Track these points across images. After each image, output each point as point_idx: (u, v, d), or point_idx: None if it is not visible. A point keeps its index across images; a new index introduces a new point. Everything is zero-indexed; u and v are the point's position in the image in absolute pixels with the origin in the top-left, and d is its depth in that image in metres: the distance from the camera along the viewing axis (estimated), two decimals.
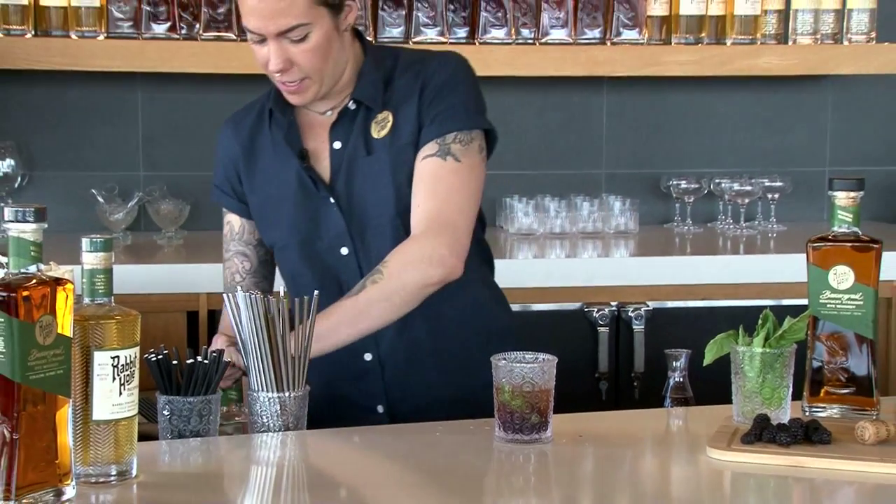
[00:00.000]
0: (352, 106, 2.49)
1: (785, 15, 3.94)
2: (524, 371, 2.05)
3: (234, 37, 3.70)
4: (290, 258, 2.51)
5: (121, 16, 3.67)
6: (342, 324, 2.34)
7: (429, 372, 2.52)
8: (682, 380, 2.50)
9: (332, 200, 2.47)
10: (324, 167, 2.50)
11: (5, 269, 1.76)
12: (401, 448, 2.18)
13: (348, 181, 2.48)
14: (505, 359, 2.07)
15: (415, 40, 3.73)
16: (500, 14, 3.76)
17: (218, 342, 2.35)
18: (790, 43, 3.94)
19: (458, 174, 2.45)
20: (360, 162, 2.47)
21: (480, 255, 2.61)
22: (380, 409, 2.53)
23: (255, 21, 2.35)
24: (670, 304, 3.38)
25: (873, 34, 3.94)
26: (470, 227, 2.47)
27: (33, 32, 3.65)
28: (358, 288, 2.36)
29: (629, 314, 3.40)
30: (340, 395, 2.35)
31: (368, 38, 3.69)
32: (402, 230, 2.46)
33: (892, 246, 2.28)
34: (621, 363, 3.42)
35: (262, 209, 2.54)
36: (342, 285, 2.45)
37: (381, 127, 2.48)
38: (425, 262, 2.38)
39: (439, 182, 2.44)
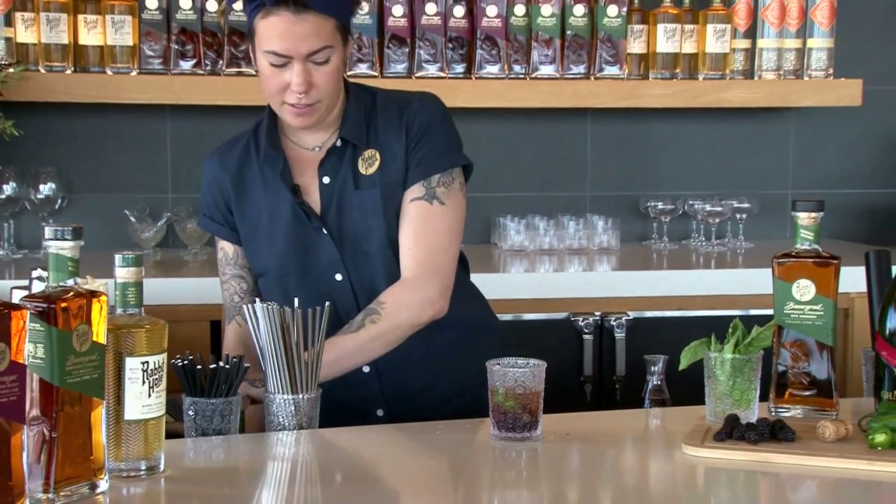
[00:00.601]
0: (338, 143, 2.47)
1: (751, 53, 3.94)
2: (516, 375, 2.05)
3: (254, 72, 3.69)
4: (287, 285, 2.46)
5: (151, 53, 3.67)
6: (344, 357, 2.35)
7: (423, 376, 2.51)
8: (659, 383, 2.50)
9: (324, 231, 2.45)
10: (314, 200, 2.47)
11: (45, 283, 1.76)
12: (405, 445, 2.17)
13: (339, 213, 2.45)
14: (499, 364, 2.07)
15: (417, 75, 3.73)
16: (494, 52, 3.76)
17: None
18: (756, 78, 3.94)
19: (444, 217, 2.46)
20: (349, 196, 2.45)
21: (460, 263, 2.58)
22: (379, 412, 2.51)
23: (286, 43, 2.31)
24: (649, 313, 3.38)
25: (831, 70, 3.94)
26: (454, 266, 2.49)
27: (73, 69, 3.65)
28: (357, 325, 2.38)
29: (611, 323, 3.39)
30: (340, 401, 2.34)
31: (375, 74, 3.72)
32: (392, 258, 2.45)
33: (849, 262, 2.28)
34: (604, 368, 3.42)
35: (253, 239, 2.51)
36: (337, 307, 2.42)
37: (368, 164, 2.46)
38: (417, 305, 2.41)
39: (427, 225, 2.45)
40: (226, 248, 2.57)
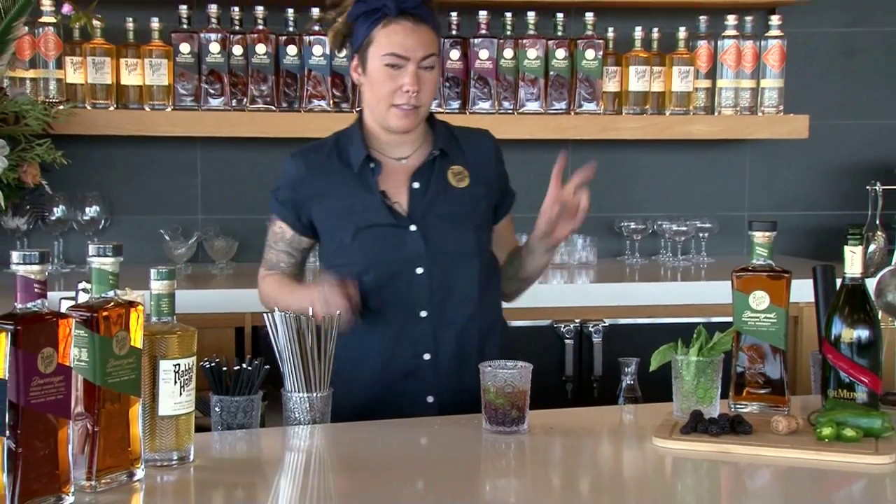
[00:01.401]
0: (436, 153, 2.49)
1: (712, 91, 3.94)
2: (506, 376, 2.05)
3: (275, 108, 3.69)
4: (370, 277, 2.43)
5: (184, 92, 3.67)
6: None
7: (475, 373, 2.48)
8: (632, 382, 2.48)
9: (413, 228, 2.45)
10: (401, 203, 2.47)
11: (89, 294, 1.75)
12: (407, 438, 2.16)
13: (427, 215, 2.45)
14: (490, 366, 2.07)
15: None
16: (486, 90, 3.76)
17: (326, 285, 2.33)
18: (716, 113, 3.94)
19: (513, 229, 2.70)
20: (439, 200, 2.47)
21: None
22: (430, 399, 2.47)
23: (406, 47, 2.37)
24: (622, 321, 3.37)
25: (781, 107, 3.95)
26: None
27: (115, 106, 3.65)
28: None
29: (589, 329, 3.39)
30: (396, 386, 2.33)
31: None
32: (469, 259, 2.48)
33: (799, 275, 2.27)
34: (583, 369, 3.41)
35: (341, 237, 2.48)
36: (414, 301, 2.44)
37: (459, 178, 2.50)
38: None
39: (512, 235, 2.68)
40: (284, 230, 2.55)
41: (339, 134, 2.56)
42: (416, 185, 2.48)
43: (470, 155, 2.54)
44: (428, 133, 2.54)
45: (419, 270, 2.44)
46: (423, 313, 2.44)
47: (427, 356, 2.44)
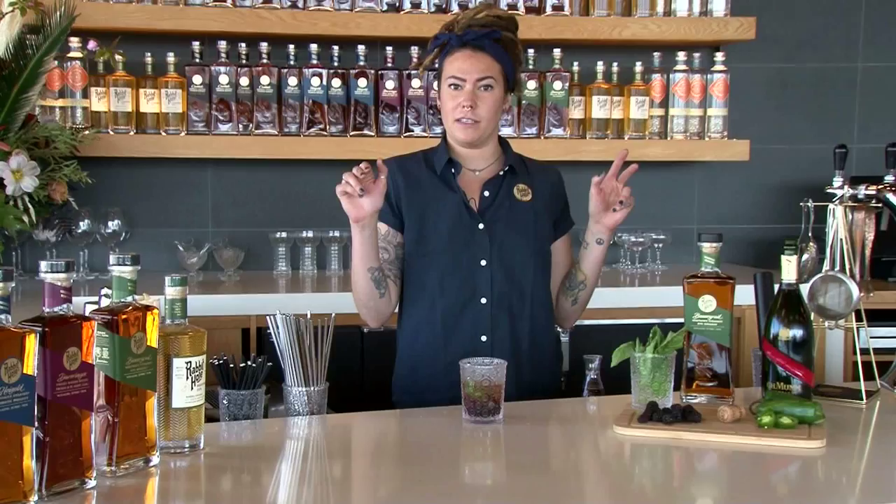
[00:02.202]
0: (505, 169, 2.57)
1: (665, 119, 3.95)
2: (483, 371, 2.04)
3: (277, 133, 3.69)
4: (442, 262, 2.50)
5: (196, 118, 3.66)
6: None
7: (524, 363, 2.50)
8: (595, 377, 2.49)
9: (481, 226, 2.51)
10: (473, 205, 2.53)
11: (110, 299, 1.75)
12: (396, 427, 2.16)
13: (493, 218, 2.52)
14: (469, 363, 2.07)
15: (405, 135, 3.72)
16: None
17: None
18: (669, 138, 3.95)
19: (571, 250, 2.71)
20: (504, 208, 2.54)
21: None
22: None
23: (462, 71, 2.47)
24: (587, 322, 3.35)
25: (725, 133, 3.95)
26: None
27: (134, 131, 3.63)
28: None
29: (558, 329, 3.37)
30: (454, 364, 2.30)
31: (371, 134, 3.71)
32: (523, 259, 2.53)
33: (742, 281, 2.28)
34: None
35: (421, 225, 2.52)
36: (475, 287, 2.50)
37: (523, 194, 2.57)
38: None
39: (570, 258, 2.68)
40: (380, 227, 2.53)
41: (426, 150, 2.64)
42: (486, 192, 2.55)
43: (536, 179, 2.61)
44: (500, 154, 2.60)
45: (483, 262, 2.50)
46: (483, 300, 2.49)
47: (484, 338, 2.48)
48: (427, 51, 2.58)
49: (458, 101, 2.47)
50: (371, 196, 2.30)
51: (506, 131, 3.76)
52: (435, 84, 2.60)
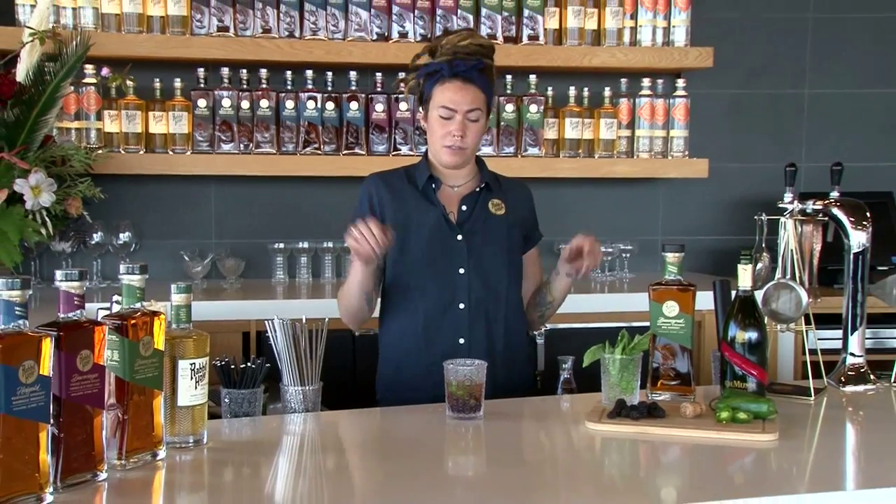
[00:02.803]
0: (482, 186, 2.57)
1: (631, 139, 3.96)
2: (465, 372, 2.04)
3: (275, 152, 3.68)
4: (423, 270, 2.50)
5: (201, 139, 3.65)
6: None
7: (499, 363, 2.46)
8: (569, 376, 2.48)
9: (459, 237, 2.51)
10: (452, 218, 2.53)
11: (120, 305, 1.74)
12: (385, 423, 2.16)
13: (471, 230, 2.52)
14: (452, 363, 2.06)
15: (393, 154, 3.72)
16: None
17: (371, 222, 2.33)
18: (635, 157, 3.96)
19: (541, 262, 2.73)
20: (480, 221, 2.54)
21: None
22: None
23: (455, 102, 2.45)
24: (561, 325, 3.35)
25: (686, 152, 3.97)
26: None
27: (144, 150, 3.62)
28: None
29: (534, 333, 3.37)
30: (436, 364, 2.27)
31: (363, 153, 3.70)
32: (496, 267, 2.53)
33: (702, 288, 2.29)
34: None
35: (405, 238, 2.49)
36: (454, 294, 2.49)
37: (497, 208, 2.57)
38: None
39: (540, 268, 2.71)
40: None
41: (408, 166, 2.63)
42: (464, 207, 2.55)
43: (509, 195, 2.61)
44: (477, 172, 2.61)
45: (461, 271, 2.50)
46: (462, 305, 2.49)
47: (462, 340, 2.48)
48: (416, 75, 2.55)
49: (448, 129, 2.46)
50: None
51: (485, 150, 3.76)
52: (420, 106, 2.59)
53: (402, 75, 3.70)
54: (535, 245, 2.67)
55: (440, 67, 2.47)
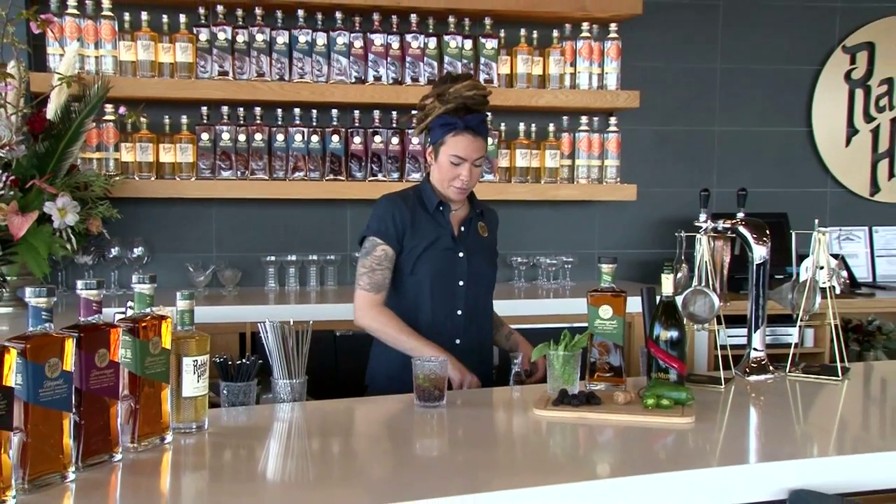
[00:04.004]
0: (477, 212, 2.62)
1: (572, 167, 3.98)
2: (430, 366, 2.04)
3: (268, 178, 3.66)
4: (428, 282, 2.50)
5: (204, 167, 3.62)
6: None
7: (486, 359, 2.55)
8: (519, 370, 2.48)
9: (461, 255, 2.53)
10: (455, 237, 2.55)
11: (133, 310, 1.72)
12: (361, 411, 2.14)
13: (468, 248, 2.55)
14: (419, 360, 2.06)
15: (370, 179, 3.71)
16: (416, 165, 3.76)
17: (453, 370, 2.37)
18: (575, 182, 3.98)
19: None
20: (473, 241, 2.58)
21: None
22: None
23: (466, 152, 2.47)
24: (513, 326, 3.35)
25: (618, 179, 4.00)
26: None
27: (155, 177, 3.59)
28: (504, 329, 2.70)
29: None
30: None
31: (343, 178, 3.69)
32: (490, 282, 2.63)
33: (632, 294, 2.29)
34: None
35: (419, 254, 2.50)
36: (455, 303, 2.52)
37: (482, 230, 2.62)
38: None
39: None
40: (387, 251, 2.51)
41: (414, 189, 2.61)
42: (462, 228, 2.57)
43: (487, 219, 2.66)
44: (466, 199, 2.62)
45: (461, 283, 2.53)
46: (459, 312, 2.52)
47: (458, 341, 2.50)
48: (432, 124, 2.50)
49: (457, 172, 2.47)
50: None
51: None
52: (395, 137, 2.59)
53: (376, 113, 3.74)
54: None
55: (455, 122, 2.45)
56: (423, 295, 2.50)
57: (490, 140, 3.81)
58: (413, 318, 2.49)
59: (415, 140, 3.72)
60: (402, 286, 2.52)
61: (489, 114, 3.82)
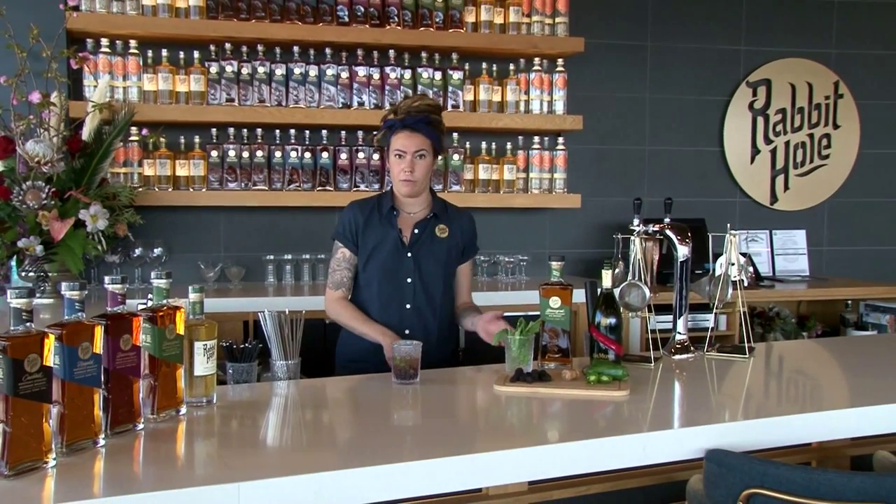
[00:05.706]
0: (431, 215, 2.51)
1: (526, 179, 3.99)
2: (406, 349, 2.04)
3: (267, 189, 3.64)
4: (379, 279, 2.46)
5: (213, 179, 3.59)
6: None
7: (432, 347, 2.43)
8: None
9: (409, 255, 2.47)
10: (406, 239, 2.48)
11: (152, 302, 1.71)
12: (347, 387, 2.14)
13: (419, 249, 2.48)
14: (398, 344, 2.05)
15: (354, 189, 3.70)
16: None
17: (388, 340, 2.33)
18: (529, 192, 3.99)
19: (471, 271, 2.63)
20: (427, 243, 2.49)
21: None
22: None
23: (404, 146, 2.40)
24: None
25: (565, 189, 4.00)
26: None
27: (172, 188, 3.55)
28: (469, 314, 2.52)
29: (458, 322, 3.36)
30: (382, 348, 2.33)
31: (331, 189, 3.67)
32: (438, 280, 2.49)
33: (578, 287, 2.31)
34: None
35: (371, 253, 2.47)
36: (403, 297, 2.45)
37: (441, 232, 2.51)
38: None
39: (468, 278, 2.61)
40: (345, 253, 2.49)
41: (378, 196, 2.57)
42: (416, 230, 2.49)
43: (453, 222, 2.54)
44: (430, 203, 2.55)
45: (409, 280, 2.46)
46: (408, 306, 2.46)
47: (407, 331, 2.45)
48: (381, 129, 2.50)
49: (401, 166, 2.42)
50: None
51: None
52: (375, 154, 2.57)
53: (360, 134, 3.73)
54: (469, 259, 2.60)
55: (394, 123, 2.43)
56: (373, 289, 2.46)
57: (456, 156, 3.81)
58: (367, 309, 2.47)
59: (360, 156, 3.66)
60: (359, 281, 2.50)
61: (455, 133, 3.84)
